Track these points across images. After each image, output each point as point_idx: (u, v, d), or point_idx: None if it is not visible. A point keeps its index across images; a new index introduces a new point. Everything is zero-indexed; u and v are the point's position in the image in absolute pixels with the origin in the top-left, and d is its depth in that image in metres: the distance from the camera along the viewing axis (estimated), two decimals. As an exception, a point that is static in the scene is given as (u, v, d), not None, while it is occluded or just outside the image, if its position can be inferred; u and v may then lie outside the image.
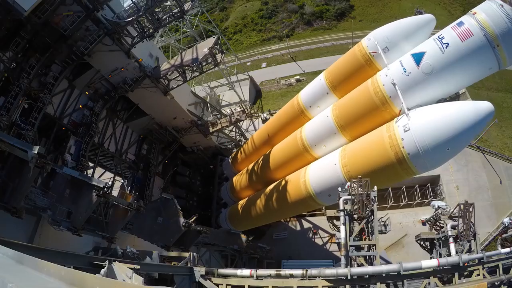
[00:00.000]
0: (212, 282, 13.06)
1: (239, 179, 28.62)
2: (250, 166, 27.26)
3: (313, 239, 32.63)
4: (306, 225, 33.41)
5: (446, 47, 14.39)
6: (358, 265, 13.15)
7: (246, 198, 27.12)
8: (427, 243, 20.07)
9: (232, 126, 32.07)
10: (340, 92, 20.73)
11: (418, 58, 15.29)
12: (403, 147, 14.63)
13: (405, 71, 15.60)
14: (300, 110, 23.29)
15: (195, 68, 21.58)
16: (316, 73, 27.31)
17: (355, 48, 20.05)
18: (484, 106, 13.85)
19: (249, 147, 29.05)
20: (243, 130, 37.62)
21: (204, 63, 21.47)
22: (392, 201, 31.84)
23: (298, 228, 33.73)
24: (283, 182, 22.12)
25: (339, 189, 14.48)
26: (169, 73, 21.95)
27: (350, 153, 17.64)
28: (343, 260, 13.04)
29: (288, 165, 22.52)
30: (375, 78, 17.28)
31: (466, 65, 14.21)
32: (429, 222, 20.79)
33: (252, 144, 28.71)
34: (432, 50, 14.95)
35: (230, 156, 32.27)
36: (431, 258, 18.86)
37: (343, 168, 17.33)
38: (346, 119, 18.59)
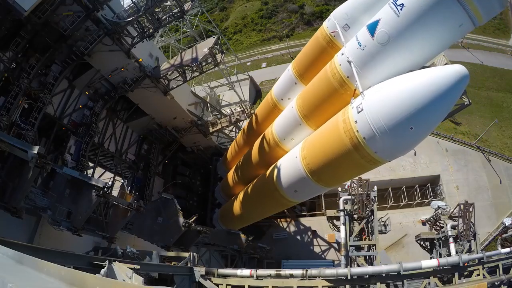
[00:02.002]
0: (212, 282, 13.06)
1: (228, 178, 28.32)
2: (236, 165, 26.87)
3: (312, 241, 32.60)
4: (306, 225, 33.41)
5: (401, 9, 11.85)
6: (358, 265, 13.17)
7: (233, 197, 26.66)
8: (427, 243, 20.07)
9: (232, 126, 32.07)
10: (306, 80, 19.32)
11: (372, 28, 12.92)
12: (357, 130, 12.55)
13: (360, 45, 13.40)
14: (274, 104, 22.57)
15: (195, 68, 21.60)
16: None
17: (317, 32, 18.60)
18: (453, 69, 11.05)
19: (235, 146, 28.71)
20: (243, 130, 37.60)
21: (204, 63, 21.49)
22: (392, 201, 31.89)
23: (298, 228, 33.72)
24: (257, 179, 21.61)
25: (339, 189, 14.40)
26: (169, 73, 21.96)
27: (309, 144, 16.32)
28: (343, 260, 13.04)
29: (266, 161, 21.49)
30: (332, 60, 15.48)
31: (428, 25, 11.60)
32: (429, 222, 20.82)
33: (237, 143, 28.31)
34: (386, 16, 12.47)
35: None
36: (431, 258, 18.86)
37: (302, 161, 16.08)
38: (308, 108, 17.13)
